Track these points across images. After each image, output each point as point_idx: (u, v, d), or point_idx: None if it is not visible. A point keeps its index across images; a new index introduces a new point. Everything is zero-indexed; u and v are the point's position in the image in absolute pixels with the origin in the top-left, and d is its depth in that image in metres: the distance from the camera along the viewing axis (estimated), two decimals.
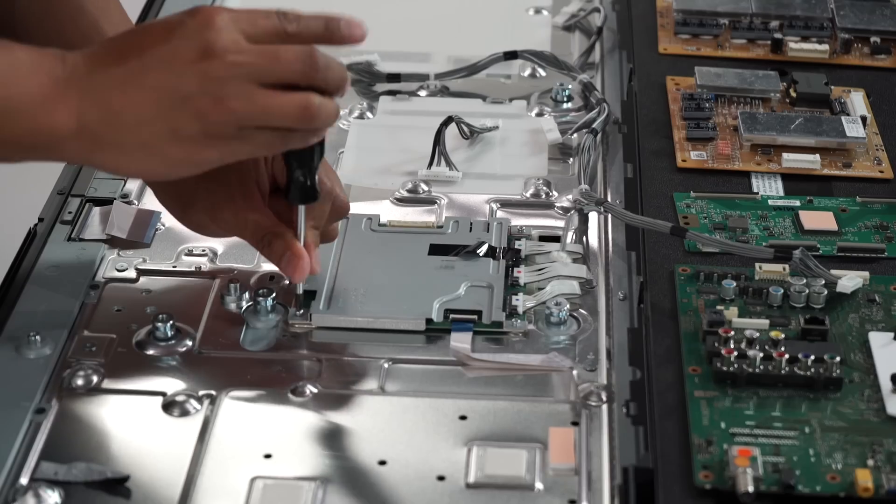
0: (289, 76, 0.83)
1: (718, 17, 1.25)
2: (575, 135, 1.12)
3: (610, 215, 1.03)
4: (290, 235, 0.91)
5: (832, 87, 1.16)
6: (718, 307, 0.91)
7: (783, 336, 0.88)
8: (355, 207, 1.05)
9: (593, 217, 1.04)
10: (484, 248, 0.97)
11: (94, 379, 0.88)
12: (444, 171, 1.08)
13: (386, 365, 0.90)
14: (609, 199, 1.05)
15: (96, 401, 0.87)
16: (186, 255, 0.99)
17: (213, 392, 0.87)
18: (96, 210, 1.03)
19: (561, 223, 1.03)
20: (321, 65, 0.84)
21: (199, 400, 0.87)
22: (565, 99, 1.18)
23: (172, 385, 0.88)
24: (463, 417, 0.86)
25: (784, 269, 0.95)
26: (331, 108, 0.84)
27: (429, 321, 0.92)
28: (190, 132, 0.82)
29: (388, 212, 1.04)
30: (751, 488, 0.79)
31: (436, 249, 0.98)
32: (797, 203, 1.04)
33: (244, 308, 0.94)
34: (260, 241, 0.92)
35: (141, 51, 0.82)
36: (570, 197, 1.05)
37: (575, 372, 0.89)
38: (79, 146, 0.83)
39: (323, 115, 0.84)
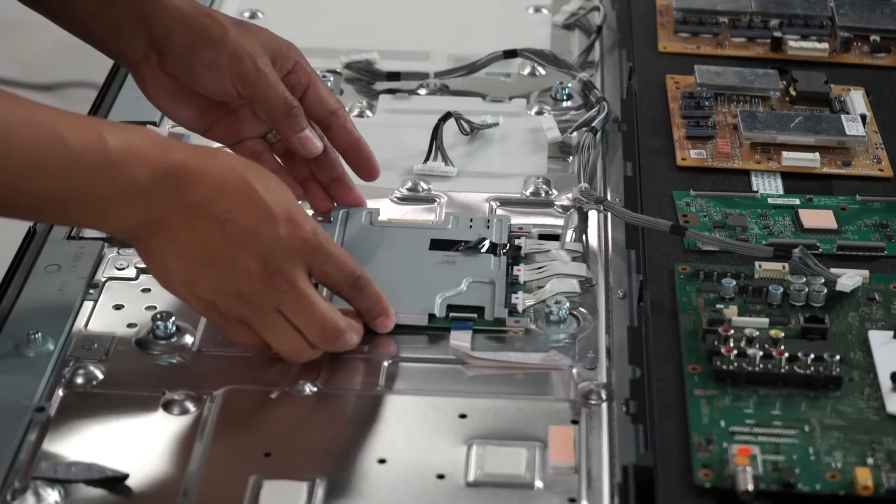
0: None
1: (718, 15, 1.25)
2: (574, 133, 1.12)
3: (609, 214, 1.03)
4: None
5: (832, 85, 1.15)
6: (718, 306, 0.91)
7: (783, 335, 0.88)
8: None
9: (593, 215, 1.04)
10: (486, 245, 0.97)
11: (94, 377, 0.88)
12: (439, 166, 1.08)
13: (386, 363, 0.90)
14: (609, 198, 1.05)
15: (96, 399, 0.87)
16: None
17: (213, 390, 0.87)
18: None
19: (560, 221, 1.03)
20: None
21: (199, 398, 0.87)
22: (565, 97, 1.18)
23: (172, 383, 0.88)
24: (463, 416, 0.86)
25: (784, 267, 0.95)
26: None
27: (431, 316, 0.92)
28: (200, 302, 0.87)
29: (388, 210, 1.04)
30: (750, 487, 0.79)
31: (437, 245, 0.98)
32: (797, 201, 1.04)
33: None
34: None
35: (222, 218, 0.84)
36: (569, 195, 1.05)
37: (575, 370, 0.89)
38: (121, 236, 0.91)
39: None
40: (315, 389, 0.88)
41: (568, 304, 0.94)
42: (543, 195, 1.06)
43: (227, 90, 0.97)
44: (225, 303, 0.86)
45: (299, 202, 0.93)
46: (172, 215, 0.84)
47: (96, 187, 0.83)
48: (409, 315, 0.92)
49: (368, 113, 1.16)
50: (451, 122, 1.10)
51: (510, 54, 1.20)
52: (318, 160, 1.00)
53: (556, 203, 1.05)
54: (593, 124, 1.11)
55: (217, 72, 0.96)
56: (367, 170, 1.02)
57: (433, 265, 0.96)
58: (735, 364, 0.86)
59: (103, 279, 0.97)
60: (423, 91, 1.19)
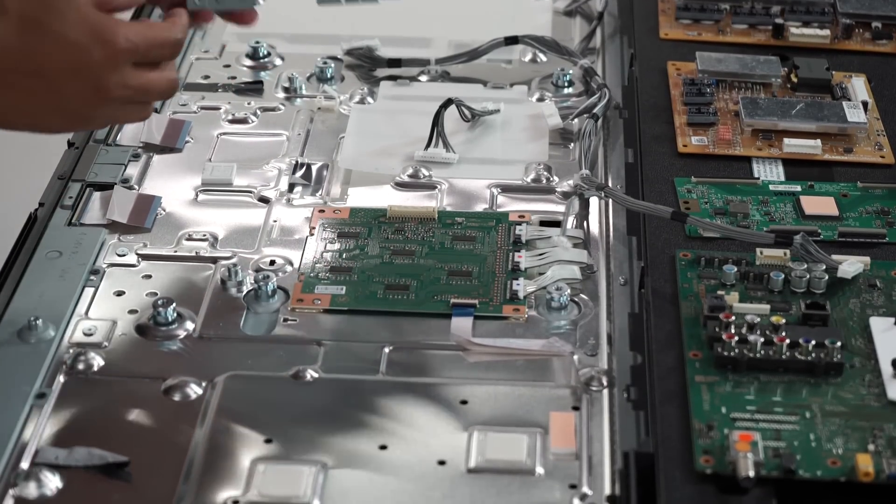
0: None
1: (719, 2, 1.25)
2: (576, 120, 1.12)
3: (611, 200, 1.03)
4: None
5: (833, 72, 1.15)
6: (719, 292, 0.91)
7: (784, 321, 0.88)
8: (356, 193, 1.05)
9: (594, 202, 1.04)
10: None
11: (95, 364, 0.88)
12: (440, 153, 1.08)
13: (387, 349, 0.90)
14: (610, 184, 1.05)
15: (97, 385, 0.87)
16: (187, 240, 0.99)
17: (214, 377, 0.87)
18: (97, 195, 1.03)
19: (562, 208, 1.03)
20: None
21: (200, 384, 0.87)
22: (566, 84, 1.18)
23: (173, 369, 0.88)
24: (464, 402, 0.86)
25: (785, 254, 0.95)
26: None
27: None
28: (65, 130, 0.96)
29: (389, 197, 1.04)
30: (751, 473, 0.79)
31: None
32: (798, 188, 1.04)
33: (245, 293, 0.94)
34: None
35: (41, 59, 0.86)
36: (570, 182, 1.05)
37: (576, 357, 0.90)
38: None
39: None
40: (316, 375, 0.88)
41: (569, 291, 0.94)
42: (544, 182, 1.06)
43: None
44: (83, 124, 0.97)
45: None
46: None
47: None
48: None
49: (369, 99, 1.16)
50: (453, 108, 1.10)
51: (511, 41, 1.20)
52: None
53: (557, 189, 1.05)
54: (594, 111, 1.11)
55: None
56: None
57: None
58: (736, 350, 0.86)
59: (104, 265, 0.97)
60: (424, 78, 1.19)
